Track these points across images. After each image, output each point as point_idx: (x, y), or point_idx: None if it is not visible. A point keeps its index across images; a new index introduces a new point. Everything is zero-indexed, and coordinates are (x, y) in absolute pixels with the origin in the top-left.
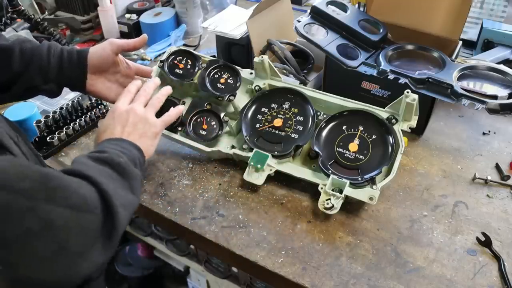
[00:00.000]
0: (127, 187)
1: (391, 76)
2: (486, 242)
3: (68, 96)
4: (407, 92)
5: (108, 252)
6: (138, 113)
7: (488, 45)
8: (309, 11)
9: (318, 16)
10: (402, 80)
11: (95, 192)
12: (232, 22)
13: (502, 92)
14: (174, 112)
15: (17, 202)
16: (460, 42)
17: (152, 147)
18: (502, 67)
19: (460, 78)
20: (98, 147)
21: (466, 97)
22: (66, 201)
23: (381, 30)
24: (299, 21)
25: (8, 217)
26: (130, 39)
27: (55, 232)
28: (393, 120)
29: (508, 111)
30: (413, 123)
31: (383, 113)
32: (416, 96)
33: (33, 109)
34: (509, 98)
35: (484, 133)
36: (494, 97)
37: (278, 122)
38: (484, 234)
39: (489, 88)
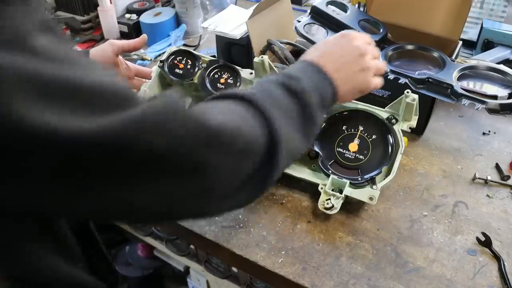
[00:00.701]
0: (304, 132)
1: (391, 76)
2: (486, 242)
3: None
4: (407, 92)
5: (256, 195)
6: (367, 61)
7: (488, 45)
8: (309, 11)
9: (318, 16)
10: (402, 80)
11: (266, 136)
12: (232, 22)
13: (502, 92)
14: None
15: (173, 145)
16: (460, 42)
17: (351, 96)
18: (502, 67)
19: (460, 78)
20: (296, 67)
21: (466, 97)
22: (228, 148)
23: (381, 30)
24: (299, 21)
25: (161, 158)
26: (130, 39)
27: (206, 177)
28: (393, 120)
29: (508, 111)
30: (413, 123)
31: (383, 113)
32: (416, 96)
33: None
34: (509, 98)
35: (484, 133)
36: (494, 97)
37: None
38: (484, 234)
39: (489, 88)
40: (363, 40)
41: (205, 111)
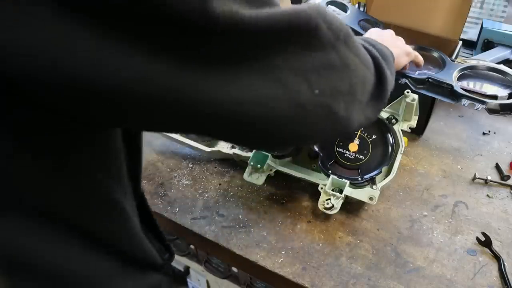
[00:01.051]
0: (389, 69)
1: None
2: (486, 242)
3: None
4: (407, 92)
5: (375, 113)
6: (401, 41)
7: (488, 45)
8: None
9: None
10: (402, 80)
11: (369, 56)
12: None
13: (502, 92)
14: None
15: (328, 35)
16: (460, 42)
17: (404, 61)
18: (502, 67)
19: (460, 78)
20: (367, 39)
21: (466, 97)
22: (357, 52)
23: (348, 11)
24: None
25: (316, 44)
26: None
27: (350, 74)
28: (393, 120)
29: (508, 112)
30: (413, 123)
31: (383, 113)
32: (416, 96)
33: None
34: (509, 98)
35: (484, 133)
36: (494, 97)
37: None
38: (484, 234)
39: (489, 88)
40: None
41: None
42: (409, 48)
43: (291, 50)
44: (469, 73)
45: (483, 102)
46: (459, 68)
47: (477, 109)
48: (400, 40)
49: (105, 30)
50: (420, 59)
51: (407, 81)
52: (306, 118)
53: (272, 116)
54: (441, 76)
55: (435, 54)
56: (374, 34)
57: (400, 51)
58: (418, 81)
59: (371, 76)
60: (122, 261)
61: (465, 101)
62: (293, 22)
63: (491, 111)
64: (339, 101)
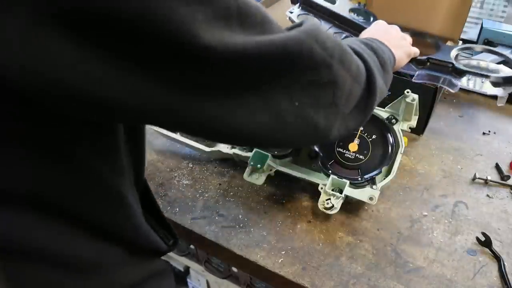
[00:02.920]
0: (383, 78)
1: None
2: (486, 242)
3: None
4: (407, 92)
5: (360, 122)
6: (402, 34)
7: (488, 45)
8: (299, 2)
9: (308, 6)
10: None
11: (364, 68)
12: None
13: (503, 68)
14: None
15: (322, 55)
16: (460, 42)
17: (403, 60)
18: (499, 49)
19: (457, 59)
20: (359, 39)
21: (469, 73)
22: (349, 67)
23: (372, 19)
24: (291, 12)
25: (309, 64)
26: None
27: (336, 89)
28: (393, 120)
29: (511, 84)
30: (413, 123)
31: (383, 113)
32: (416, 96)
33: None
34: None
35: (484, 133)
36: (496, 71)
37: None
38: (484, 234)
39: (487, 67)
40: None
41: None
42: (412, 49)
43: (283, 74)
44: (467, 53)
45: (486, 76)
46: (456, 48)
47: (482, 82)
48: (405, 39)
49: (88, 43)
50: (418, 53)
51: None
52: (286, 129)
53: (254, 127)
54: (439, 56)
55: (429, 40)
56: (381, 30)
57: (402, 52)
58: (419, 62)
59: (359, 90)
60: (127, 249)
61: (469, 76)
62: (285, 51)
63: (495, 84)
64: (319, 113)
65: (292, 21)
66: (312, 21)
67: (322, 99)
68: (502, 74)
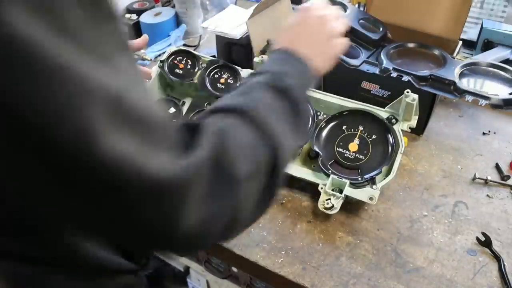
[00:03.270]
0: (297, 131)
1: (393, 74)
2: (486, 242)
3: None
4: (407, 92)
5: (267, 206)
6: (330, 27)
7: (488, 45)
8: None
9: None
10: (405, 78)
11: (270, 152)
12: (232, 22)
13: (504, 90)
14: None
15: (218, 189)
16: (460, 42)
17: (327, 68)
18: (502, 65)
19: (461, 76)
20: (275, 57)
21: (469, 93)
22: (258, 172)
23: (381, 29)
24: None
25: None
26: (132, 40)
27: (237, 213)
28: (393, 120)
29: (511, 107)
30: (413, 123)
31: (383, 113)
32: (416, 96)
33: None
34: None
35: (484, 133)
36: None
37: None
38: (484, 234)
39: (490, 88)
40: (321, 8)
41: (234, 155)
42: (338, 46)
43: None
44: (470, 71)
45: (486, 98)
46: (460, 65)
47: (480, 104)
48: (330, 28)
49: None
50: (344, 28)
51: (410, 78)
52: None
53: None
54: (443, 73)
55: (436, 52)
56: (305, 33)
57: (327, 59)
58: (420, 78)
59: (261, 186)
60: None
61: (468, 97)
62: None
63: (495, 106)
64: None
65: None
66: (221, 128)
67: (213, 228)
68: (502, 97)
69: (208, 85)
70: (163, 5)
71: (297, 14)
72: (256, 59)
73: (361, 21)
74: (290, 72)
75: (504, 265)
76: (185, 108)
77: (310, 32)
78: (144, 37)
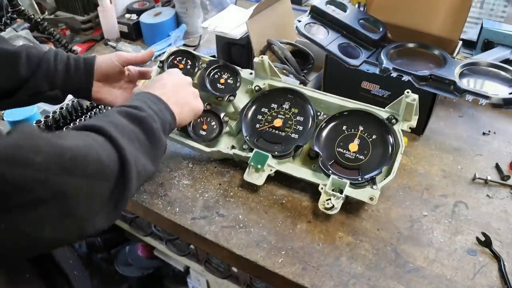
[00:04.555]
0: (150, 155)
1: (393, 74)
2: (486, 242)
3: (68, 96)
4: (407, 92)
5: (112, 218)
6: (190, 87)
7: (488, 45)
8: (308, 10)
9: (318, 15)
10: (405, 78)
11: (116, 158)
12: (232, 22)
13: (504, 90)
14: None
15: (30, 175)
16: (460, 42)
17: (188, 118)
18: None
19: (461, 76)
20: (136, 98)
21: (469, 93)
22: (83, 170)
23: (381, 29)
24: (299, 21)
25: (19, 188)
26: (138, 53)
27: (65, 201)
28: (393, 120)
29: (511, 106)
30: (413, 123)
31: (383, 113)
32: (416, 96)
33: (33, 109)
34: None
35: (484, 133)
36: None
37: (278, 122)
38: (484, 234)
39: (490, 87)
40: (182, 75)
41: (59, 136)
42: (199, 105)
43: None
44: (470, 71)
45: (486, 97)
46: (460, 65)
47: (481, 104)
48: (195, 95)
49: None
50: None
51: (410, 78)
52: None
53: None
54: (443, 73)
55: (436, 52)
56: (170, 85)
57: (189, 110)
58: (420, 78)
59: (105, 187)
60: None
61: (468, 97)
62: None
63: (495, 105)
64: (44, 228)
65: (299, 31)
66: (22, 128)
67: (47, 216)
68: (502, 96)
69: (208, 85)
70: (163, 5)
71: (163, 73)
72: (256, 59)
73: (361, 21)
74: (149, 108)
75: (504, 265)
76: None
77: (176, 88)
78: (150, 50)
